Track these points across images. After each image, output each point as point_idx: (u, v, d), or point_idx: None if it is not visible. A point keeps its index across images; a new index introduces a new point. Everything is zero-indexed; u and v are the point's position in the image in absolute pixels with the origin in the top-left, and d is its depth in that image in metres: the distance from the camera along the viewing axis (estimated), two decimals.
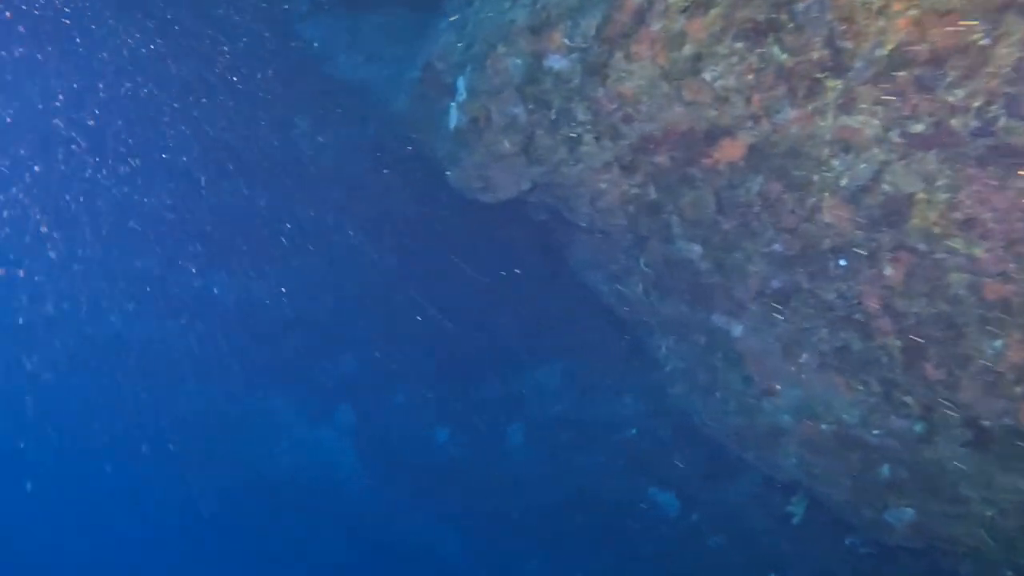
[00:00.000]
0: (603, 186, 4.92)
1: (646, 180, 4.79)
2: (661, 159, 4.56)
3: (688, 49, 3.95)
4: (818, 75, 3.67)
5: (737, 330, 5.07)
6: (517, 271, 7.49)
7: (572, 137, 4.61)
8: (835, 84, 3.66)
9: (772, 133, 4.06)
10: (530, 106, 4.65)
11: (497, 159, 4.95)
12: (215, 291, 9.53)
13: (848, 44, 3.48)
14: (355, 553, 10.41)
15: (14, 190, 8.46)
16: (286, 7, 6.52)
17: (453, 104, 5.07)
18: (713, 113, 4.16)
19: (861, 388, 4.34)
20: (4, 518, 10.73)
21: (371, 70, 6.58)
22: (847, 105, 3.69)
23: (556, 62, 4.46)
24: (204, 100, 7.81)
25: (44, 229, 8.92)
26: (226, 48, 7.18)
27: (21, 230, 9.05)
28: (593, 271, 6.13)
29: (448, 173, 5.28)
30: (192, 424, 10.04)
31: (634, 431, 7.72)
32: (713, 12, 3.81)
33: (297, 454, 10.16)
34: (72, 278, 9.10)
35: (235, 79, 7.56)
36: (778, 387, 4.92)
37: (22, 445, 10.05)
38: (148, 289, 9.34)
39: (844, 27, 3.45)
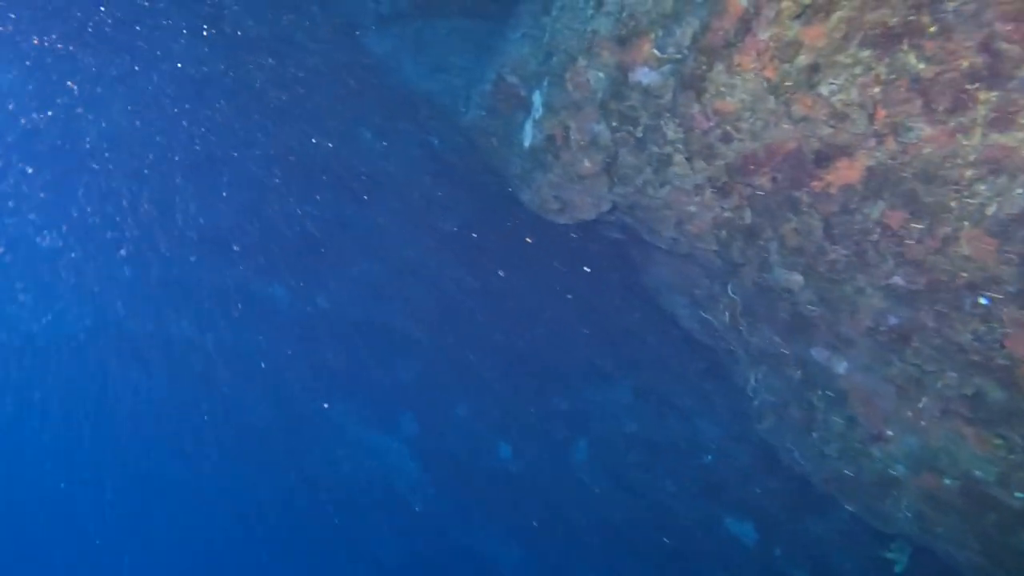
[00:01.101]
0: (692, 209, 4.39)
1: (742, 203, 4.23)
2: (762, 181, 3.99)
3: (803, 59, 3.37)
4: (967, 86, 3.05)
5: (841, 367, 4.46)
6: (588, 287, 7.03)
7: (661, 156, 4.09)
8: (988, 96, 3.04)
9: (899, 153, 3.44)
10: (613, 123, 4.15)
11: (575, 179, 4.48)
12: (280, 298, 9.42)
13: (1014, 48, 2.86)
14: (415, 562, 10.19)
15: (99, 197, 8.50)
16: (354, 20, 6.21)
17: (528, 120, 4.62)
18: (828, 131, 3.57)
19: (999, 443, 3.68)
20: (81, 514, 11.01)
21: (438, 81, 6.20)
22: (1002, 121, 3.06)
23: (645, 76, 3.95)
24: (272, 111, 7.63)
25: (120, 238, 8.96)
26: (293, 60, 6.94)
27: (102, 237, 9.12)
28: (672, 294, 5.60)
29: (521, 194, 4.84)
30: (258, 428, 9.99)
31: (710, 457, 7.15)
32: (836, 16, 3.22)
33: (360, 461, 9.99)
34: (141, 287, 9.14)
35: (302, 90, 7.33)
36: (890, 433, 4.30)
37: (100, 445, 10.25)
38: (217, 297, 9.30)
39: (1010, 28, 2.83)
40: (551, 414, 8.36)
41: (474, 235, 7.26)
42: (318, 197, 8.28)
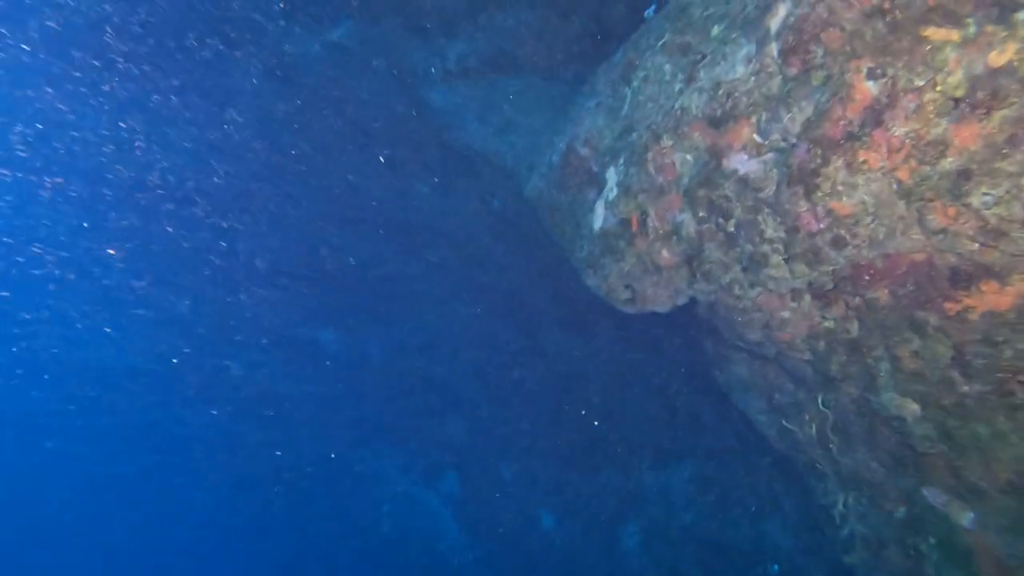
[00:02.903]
0: (786, 315, 3.66)
1: (848, 315, 3.48)
2: (879, 294, 3.24)
3: (949, 163, 2.65)
4: None
5: (966, 519, 3.59)
6: (652, 368, 6.30)
7: (755, 255, 3.40)
8: None
9: None
10: (701, 213, 3.49)
11: (651, 271, 3.82)
12: (328, 346, 9.04)
13: None
14: None
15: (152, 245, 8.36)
16: (419, 75, 5.80)
17: (600, 200, 4.01)
18: (972, 247, 2.81)
19: None
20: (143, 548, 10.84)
21: (502, 142, 5.69)
22: None
23: (742, 164, 3.29)
24: (332, 161, 7.31)
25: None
26: (354, 111, 6.60)
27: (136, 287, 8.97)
28: (748, 394, 4.82)
29: (587, 278, 4.20)
30: (302, 474, 9.58)
31: (776, 568, 6.20)
32: (1000, 116, 2.50)
33: (401, 516, 9.40)
34: (185, 326, 8.92)
35: (363, 143, 6.97)
36: None
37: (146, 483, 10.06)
38: (265, 340, 8.99)
39: None
40: (601, 490, 7.58)
41: (533, 301, 6.66)
42: (375, 248, 7.87)
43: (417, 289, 7.81)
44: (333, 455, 9.38)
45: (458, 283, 7.39)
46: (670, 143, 3.54)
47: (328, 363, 8.77)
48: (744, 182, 3.30)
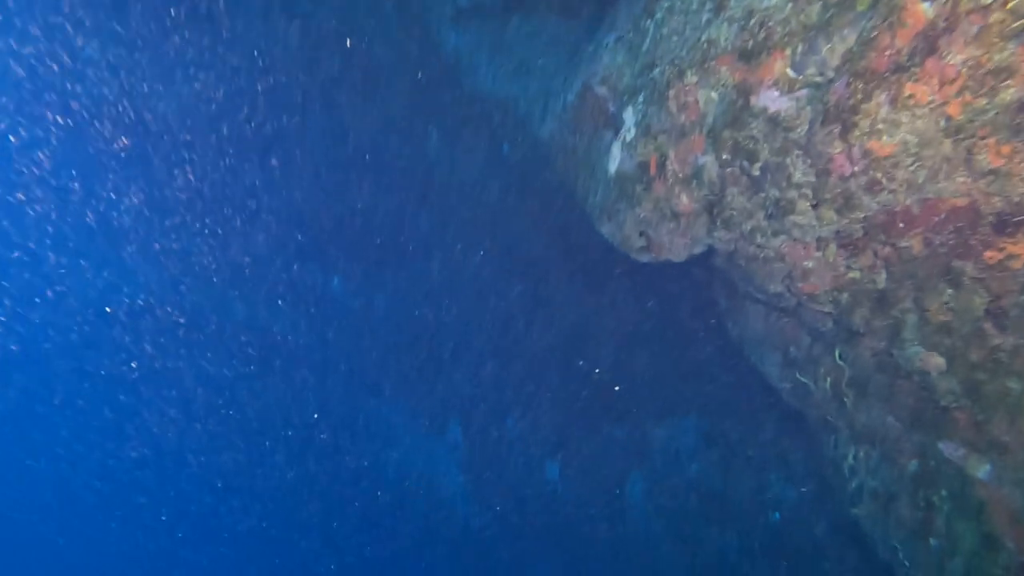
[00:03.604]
0: (809, 264, 3.44)
1: (876, 265, 3.26)
2: (912, 242, 3.01)
3: (1011, 94, 2.38)
4: None
5: (982, 471, 3.45)
6: (661, 320, 6.13)
7: (780, 201, 3.16)
8: None
9: None
10: (724, 155, 3.24)
11: (668, 217, 3.59)
12: (337, 294, 8.91)
13: None
14: (450, 569, 9.60)
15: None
16: (430, 13, 5.46)
17: (616, 142, 3.75)
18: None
19: None
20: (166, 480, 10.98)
21: (516, 85, 5.38)
22: None
23: (772, 101, 3.02)
24: (340, 104, 7.01)
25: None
26: (364, 53, 6.27)
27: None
28: (762, 348, 4.64)
29: (601, 225, 3.98)
30: (310, 421, 9.58)
31: (777, 516, 6.16)
32: None
33: (407, 465, 9.42)
34: (206, 271, 8.79)
35: (372, 85, 6.66)
36: None
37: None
38: (277, 286, 8.86)
39: None
40: (606, 442, 7.52)
41: (542, 252, 6.45)
42: (383, 194, 7.64)
43: (424, 238, 7.61)
44: (338, 404, 9.35)
45: (465, 232, 7.17)
46: (694, 79, 3.26)
47: (335, 311, 8.65)
48: (774, 121, 3.04)
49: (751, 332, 4.59)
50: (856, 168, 2.86)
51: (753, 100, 3.07)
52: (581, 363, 7.27)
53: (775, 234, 3.33)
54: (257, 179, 7.87)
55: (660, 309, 5.88)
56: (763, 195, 3.22)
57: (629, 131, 3.65)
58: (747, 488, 6.35)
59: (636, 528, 7.23)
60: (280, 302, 8.60)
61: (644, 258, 3.99)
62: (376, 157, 7.32)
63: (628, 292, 6.03)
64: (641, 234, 3.77)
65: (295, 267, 8.59)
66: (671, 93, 3.37)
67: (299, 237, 8.47)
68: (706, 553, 6.58)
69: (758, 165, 3.15)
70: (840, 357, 4.02)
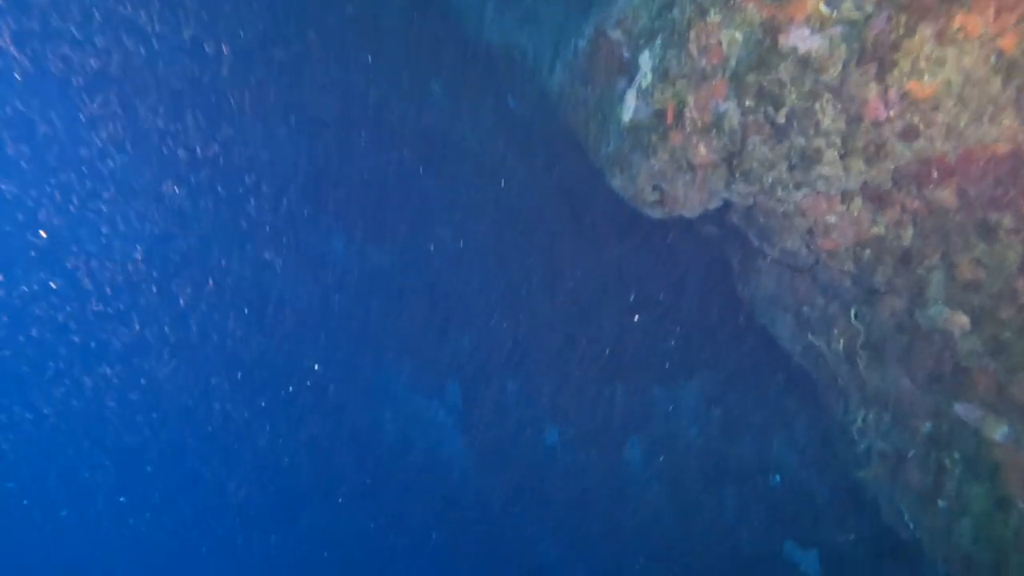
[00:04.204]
0: (832, 219, 3.26)
1: (902, 220, 3.08)
2: (944, 194, 2.83)
3: None
4: None
5: (998, 432, 3.33)
6: (667, 280, 5.96)
7: (806, 151, 2.96)
8: None
9: None
10: (748, 102, 3.02)
11: (684, 168, 3.39)
12: (338, 255, 8.72)
13: None
14: (447, 531, 9.63)
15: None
16: None
17: (631, 89, 3.52)
18: None
19: None
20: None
21: (523, 33, 5.09)
22: None
23: (803, 40, 2.79)
24: (335, 55, 6.70)
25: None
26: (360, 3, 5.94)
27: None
28: (774, 309, 4.49)
29: (612, 178, 3.77)
30: (309, 382, 9.49)
31: (778, 479, 6.10)
32: None
33: (405, 425, 9.36)
34: (206, 226, 8.59)
35: (370, 36, 6.35)
36: None
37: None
38: (276, 246, 8.66)
39: None
40: (608, 404, 7.43)
41: (546, 211, 6.24)
42: (381, 150, 7.38)
43: (427, 197, 7.38)
44: (339, 363, 9.24)
45: (467, 190, 6.95)
46: (718, 19, 3.01)
47: (335, 270, 8.48)
48: (804, 62, 2.82)
49: (763, 292, 4.43)
50: (891, 112, 2.66)
51: (782, 40, 2.84)
52: (585, 325, 7.14)
53: (797, 187, 3.13)
54: (253, 134, 7.60)
55: (668, 269, 5.71)
56: (787, 144, 3.02)
57: (645, 77, 3.42)
58: (748, 451, 6.29)
59: (634, 490, 7.20)
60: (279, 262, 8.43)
61: (656, 213, 3.80)
62: (373, 111, 7.04)
63: (636, 251, 5.84)
64: (655, 188, 3.57)
65: (295, 227, 8.38)
66: (692, 34, 3.13)
67: (295, 195, 8.24)
68: (699, 512, 6.56)
69: (784, 111, 2.94)
70: (856, 317, 3.87)
